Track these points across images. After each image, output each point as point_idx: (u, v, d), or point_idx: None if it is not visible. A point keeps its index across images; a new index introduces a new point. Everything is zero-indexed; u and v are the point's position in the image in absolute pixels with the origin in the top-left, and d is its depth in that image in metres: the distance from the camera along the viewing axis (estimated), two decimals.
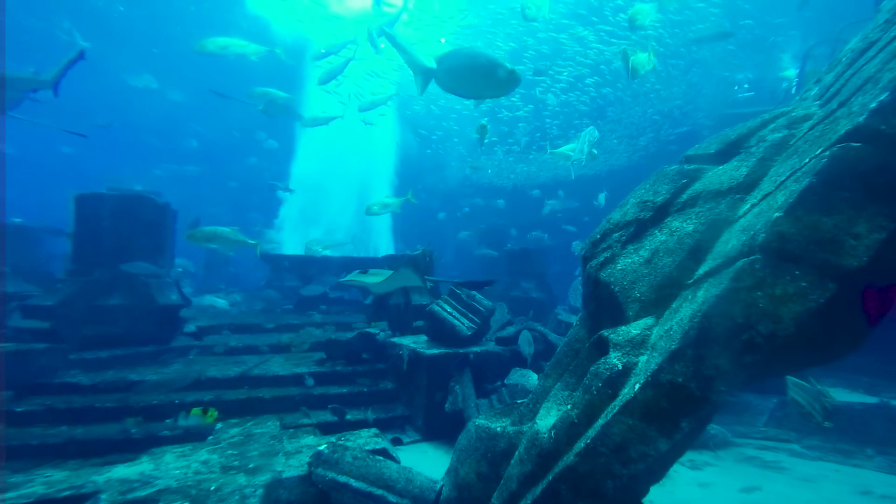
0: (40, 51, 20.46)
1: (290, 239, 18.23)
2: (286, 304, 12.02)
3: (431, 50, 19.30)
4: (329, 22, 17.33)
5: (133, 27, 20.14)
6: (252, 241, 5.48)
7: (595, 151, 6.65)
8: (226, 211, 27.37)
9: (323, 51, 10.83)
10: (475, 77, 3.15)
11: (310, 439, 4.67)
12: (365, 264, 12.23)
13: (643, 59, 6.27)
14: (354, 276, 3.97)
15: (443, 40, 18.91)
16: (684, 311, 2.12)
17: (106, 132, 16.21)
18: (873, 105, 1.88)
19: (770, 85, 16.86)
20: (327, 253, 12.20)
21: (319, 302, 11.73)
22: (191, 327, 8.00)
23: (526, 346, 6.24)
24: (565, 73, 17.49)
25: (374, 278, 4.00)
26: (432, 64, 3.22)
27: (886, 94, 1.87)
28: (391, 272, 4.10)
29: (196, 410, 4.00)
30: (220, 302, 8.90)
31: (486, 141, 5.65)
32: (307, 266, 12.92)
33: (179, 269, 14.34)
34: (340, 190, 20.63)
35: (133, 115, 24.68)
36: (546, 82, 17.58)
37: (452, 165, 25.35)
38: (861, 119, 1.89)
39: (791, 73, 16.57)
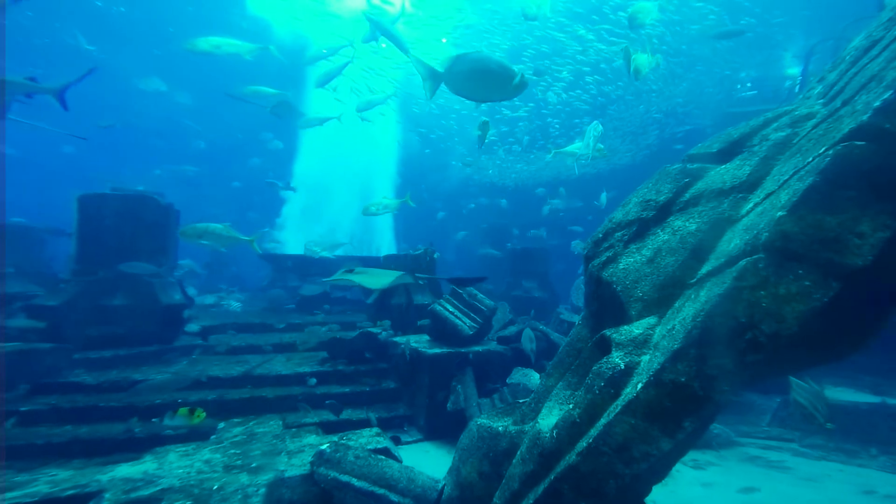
0: (41, 52, 20.59)
1: (293, 238, 18.28)
2: (289, 303, 12.06)
3: (431, 50, 19.36)
4: (328, 21, 17.35)
5: (133, 28, 20.21)
6: (246, 238, 5.47)
7: (601, 146, 6.59)
8: (229, 211, 27.48)
9: (325, 50, 10.85)
10: (484, 81, 3.20)
11: (312, 438, 4.68)
12: (366, 264, 12.24)
13: (644, 60, 6.25)
14: (341, 275, 3.94)
15: (444, 40, 18.93)
16: (687, 310, 2.12)
17: (108, 132, 16.28)
18: (877, 103, 1.87)
19: (773, 83, 16.79)
20: (325, 254, 12.23)
21: (322, 301, 11.76)
22: (193, 327, 8.02)
23: (528, 342, 6.27)
24: (564, 72, 17.49)
25: (365, 277, 3.95)
26: (441, 68, 3.25)
27: (891, 92, 1.86)
28: (379, 270, 4.06)
29: (183, 410, 3.96)
30: (235, 305, 8.86)
31: (487, 139, 5.66)
32: (309, 266, 12.95)
33: (185, 269, 14.40)
34: (343, 189, 20.68)
35: (134, 115, 24.77)
36: (546, 80, 17.60)
37: (454, 165, 25.37)
38: (865, 117, 1.88)
39: (794, 71, 16.49)
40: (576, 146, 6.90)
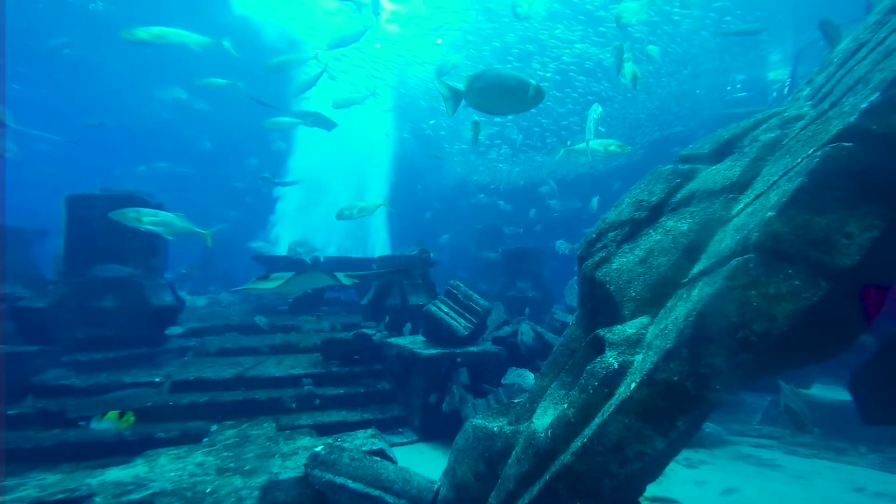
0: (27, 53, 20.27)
1: (289, 236, 18.14)
2: (282, 305, 11.98)
3: (428, 51, 19.35)
4: (315, 18, 17.29)
5: (115, 25, 19.95)
6: (202, 231, 5.38)
7: (601, 126, 6.47)
8: (225, 210, 27.25)
9: (318, 51, 10.82)
10: (504, 96, 3.36)
11: (306, 440, 4.66)
12: (359, 265, 12.21)
13: (634, 68, 6.31)
14: (252, 284, 3.77)
15: (439, 41, 19.00)
16: (679, 309, 2.14)
17: (96, 131, 16.06)
18: (864, 105, 1.90)
19: (762, 86, 17.01)
20: (305, 257, 12.16)
21: (316, 302, 11.69)
22: (177, 329, 7.81)
23: (524, 336, 6.38)
24: (549, 74, 17.65)
25: (273, 283, 3.74)
26: (461, 87, 3.41)
27: (877, 94, 1.89)
28: (292, 275, 3.86)
29: (112, 414, 3.80)
30: (262, 320, 8.59)
31: (479, 139, 5.66)
32: (300, 268, 12.85)
33: (182, 271, 14.24)
34: (339, 187, 20.60)
35: (119, 114, 24.42)
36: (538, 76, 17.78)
37: (450, 165, 25.41)
38: (852, 119, 1.91)
39: (779, 74, 16.72)
40: (584, 146, 6.77)
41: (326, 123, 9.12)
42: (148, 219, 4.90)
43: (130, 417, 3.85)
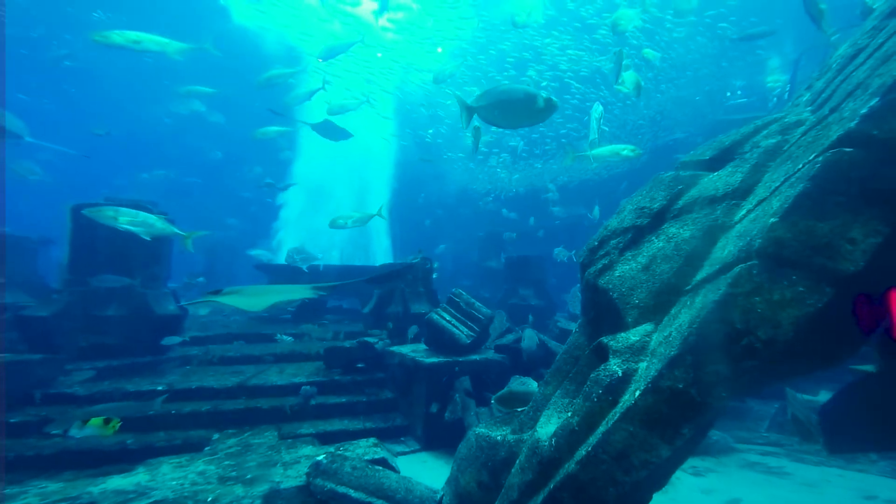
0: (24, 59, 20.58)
1: (292, 244, 18.19)
2: (284, 313, 11.98)
3: (427, 58, 19.56)
4: (313, 28, 17.53)
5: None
6: (183, 233, 5.36)
7: (604, 125, 6.45)
8: (226, 217, 27.38)
9: (320, 60, 10.94)
10: (515, 109, 3.44)
11: (308, 449, 4.63)
12: (360, 273, 12.23)
13: (634, 77, 6.32)
14: (207, 297, 3.34)
15: (439, 49, 19.22)
16: (683, 317, 2.13)
17: (99, 140, 16.21)
18: (864, 111, 1.91)
19: (762, 92, 17.05)
20: (301, 265, 12.17)
21: (318, 311, 11.69)
22: (174, 339, 7.77)
23: (528, 341, 6.41)
24: (545, 82, 17.81)
25: (237, 298, 3.42)
26: (473, 102, 3.53)
27: (877, 99, 1.90)
28: (263, 288, 3.65)
29: (96, 420, 3.62)
30: (285, 339, 8.38)
31: (479, 146, 5.67)
32: (301, 276, 12.85)
33: (185, 280, 14.26)
34: (342, 194, 20.68)
35: (129, 124, 24.67)
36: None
37: (452, 172, 25.51)
38: (853, 124, 1.92)
39: (777, 80, 16.77)
40: (599, 150, 6.65)
41: (339, 133, 8.59)
42: (125, 219, 4.80)
43: (116, 423, 3.67)
